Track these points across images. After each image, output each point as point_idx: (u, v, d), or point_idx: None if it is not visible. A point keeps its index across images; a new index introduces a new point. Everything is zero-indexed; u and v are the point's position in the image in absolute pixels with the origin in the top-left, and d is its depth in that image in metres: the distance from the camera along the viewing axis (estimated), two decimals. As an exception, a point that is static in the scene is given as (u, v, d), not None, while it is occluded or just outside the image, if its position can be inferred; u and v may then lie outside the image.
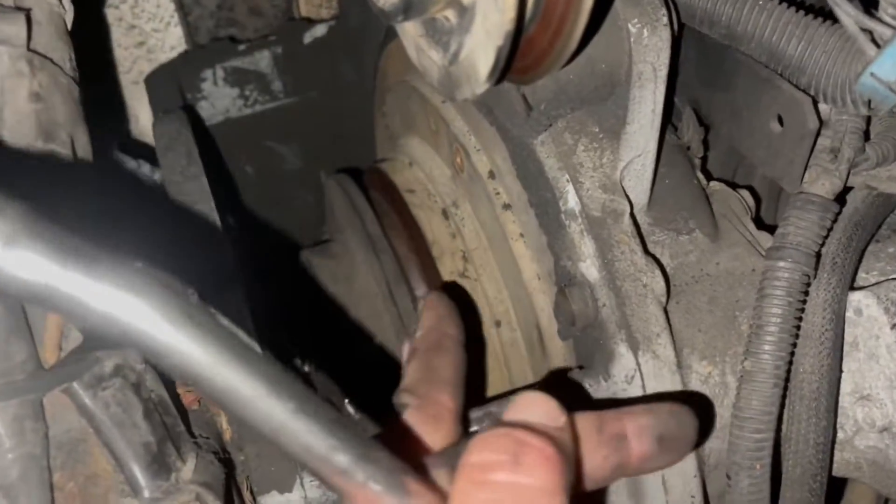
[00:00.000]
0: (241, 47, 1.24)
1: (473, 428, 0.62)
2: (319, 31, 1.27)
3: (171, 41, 1.35)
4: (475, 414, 0.63)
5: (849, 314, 0.74)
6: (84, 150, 0.63)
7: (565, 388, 0.70)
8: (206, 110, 1.25)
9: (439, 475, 0.48)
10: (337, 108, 1.35)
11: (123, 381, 0.60)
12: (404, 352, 0.64)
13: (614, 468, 0.53)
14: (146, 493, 0.58)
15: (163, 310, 0.34)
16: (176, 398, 0.69)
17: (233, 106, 1.27)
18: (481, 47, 0.48)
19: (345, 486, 0.40)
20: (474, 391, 0.62)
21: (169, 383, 0.70)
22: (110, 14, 1.31)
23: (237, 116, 1.27)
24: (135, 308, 0.33)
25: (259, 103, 1.28)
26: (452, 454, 0.48)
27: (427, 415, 0.55)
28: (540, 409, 0.48)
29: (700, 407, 0.57)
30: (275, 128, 1.34)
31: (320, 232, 1.45)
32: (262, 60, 1.25)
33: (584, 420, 0.51)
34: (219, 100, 1.25)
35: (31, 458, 0.55)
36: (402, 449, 0.45)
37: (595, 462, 0.51)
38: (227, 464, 0.71)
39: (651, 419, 0.55)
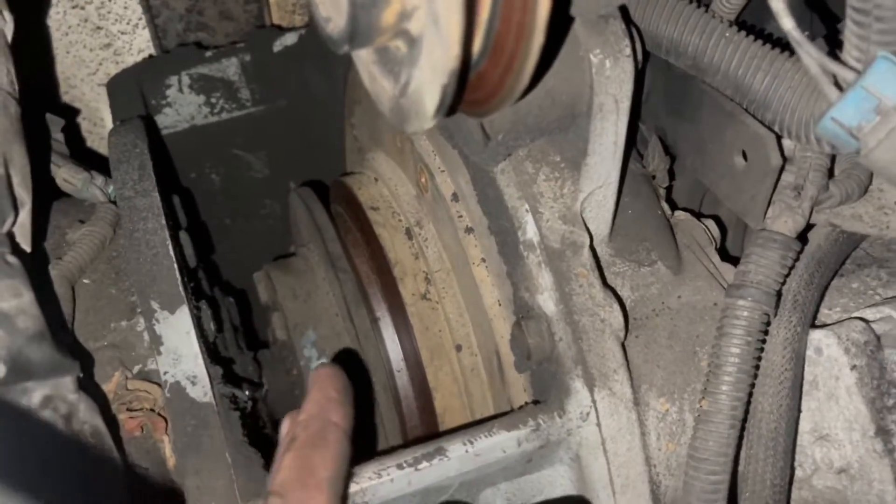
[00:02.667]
0: (208, 54, 1.21)
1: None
2: (290, 39, 1.25)
3: (139, 44, 1.32)
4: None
5: (809, 353, 0.73)
6: (21, 168, 0.60)
7: None
8: (170, 117, 1.22)
9: None
10: (306, 118, 1.32)
11: (53, 413, 0.57)
12: (282, 430, 0.60)
13: None
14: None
15: None
16: (114, 427, 0.66)
17: (198, 113, 1.24)
18: (428, 82, 0.46)
19: None
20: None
21: (105, 410, 0.67)
22: (75, 15, 1.27)
23: (203, 124, 1.24)
24: None
25: (226, 111, 1.25)
26: None
27: None
28: None
29: None
30: (242, 136, 1.31)
31: (287, 241, 1.43)
32: (230, 68, 1.22)
33: None
34: (184, 107, 1.22)
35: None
36: None
37: None
38: (172, 492, 0.68)
39: None
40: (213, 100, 1.24)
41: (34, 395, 0.56)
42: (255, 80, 1.25)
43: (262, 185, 1.39)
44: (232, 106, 1.25)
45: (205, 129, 1.26)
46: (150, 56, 1.25)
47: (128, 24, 1.31)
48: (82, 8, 1.28)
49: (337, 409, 0.60)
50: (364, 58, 0.56)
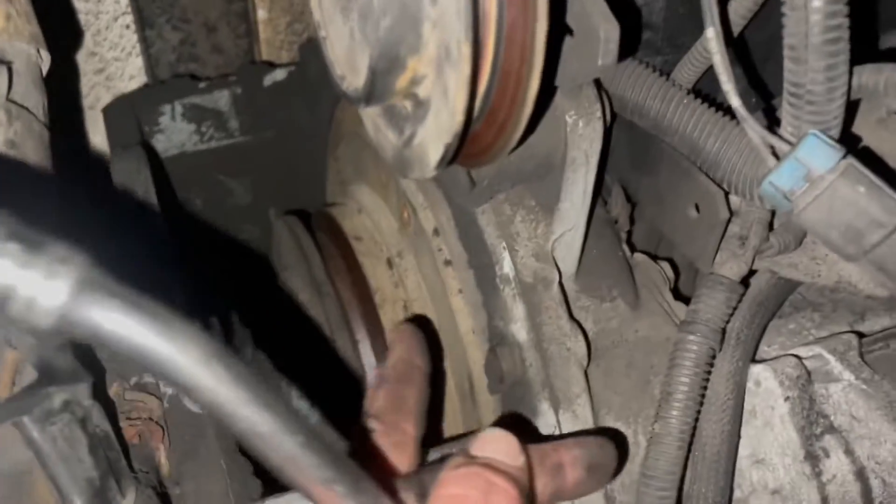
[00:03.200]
0: (202, 85, 1.28)
1: (431, 458, 0.68)
2: (279, 75, 1.32)
3: (131, 70, 1.38)
4: (433, 455, 0.68)
5: (749, 385, 0.81)
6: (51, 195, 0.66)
7: (517, 425, 0.76)
8: (161, 143, 1.28)
9: (408, 498, 0.53)
10: (290, 150, 1.39)
11: (71, 416, 0.63)
12: (371, 378, 0.69)
13: (553, 494, 0.61)
14: (87, 527, 0.61)
15: (197, 353, 0.38)
16: (119, 433, 0.71)
17: (188, 140, 1.30)
18: (432, 139, 0.54)
19: (322, 499, 0.45)
20: (434, 422, 0.68)
21: (112, 417, 0.72)
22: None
23: (192, 151, 1.30)
24: (173, 353, 0.38)
25: (214, 139, 1.31)
26: (419, 481, 0.54)
27: (392, 441, 0.61)
28: (503, 447, 0.55)
29: (617, 441, 0.68)
30: (227, 163, 1.38)
31: (265, 265, 1.49)
32: (221, 99, 1.29)
33: (531, 452, 0.58)
34: (175, 134, 1.28)
35: (-21, 488, 0.57)
36: (370, 469, 0.50)
37: (538, 489, 0.58)
38: (165, 498, 0.73)
39: (582, 450, 0.64)
40: (204, 129, 1.30)
41: (55, 399, 0.61)
42: (244, 111, 1.32)
43: (244, 211, 1.45)
44: (221, 135, 1.31)
45: (193, 155, 1.32)
46: (146, 84, 1.31)
47: (122, 51, 1.37)
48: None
49: (418, 356, 0.70)
50: (370, 111, 0.64)
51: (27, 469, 0.61)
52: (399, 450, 0.61)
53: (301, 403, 0.87)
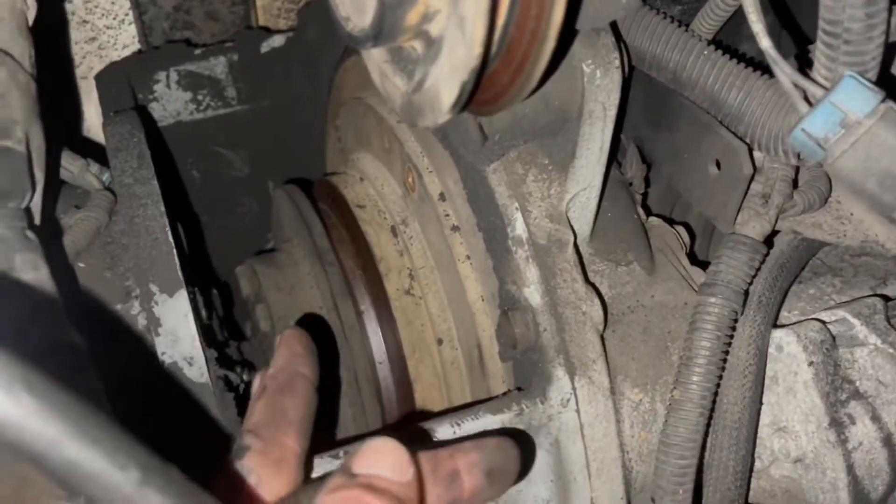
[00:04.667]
0: (197, 51, 1.23)
1: (317, 473, 0.62)
2: (277, 41, 1.28)
3: (124, 39, 1.34)
4: (324, 460, 0.63)
5: (771, 350, 0.78)
6: (38, 147, 0.62)
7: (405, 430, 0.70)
8: (156, 112, 1.23)
9: None
10: (288, 118, 1.35)
11: (65, 383, 0.59)
12: (254, 386, 0.63)
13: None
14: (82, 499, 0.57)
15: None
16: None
17: (184, 109, 1.26)
18: (446, 79, 0.50)
19: None
20: (326, 432, 0.62)
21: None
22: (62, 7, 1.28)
23: (188, 120, 1.26)
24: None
25: (211, 108, 1.27)
26: (302, 498, 0.48)
27: (270, 459, 0.55)
28: (389, 460, 0.49)
29: (519, 442, 0.61)
30: (225, 133, 1.34)
31: (264, 240, 1.45)
32: (218, 66, 1.25)
33: (421, 460, 0.53)
34: (170, 102, 1.24)
35: (-35, 459, 0.54)
36: (236, 499, 0.45)
37: (431, 502, 0.53)
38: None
39: (480, 455, 0.57)
40: (200, 97, 1.26)
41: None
42: (241, 79, 1.27)
43: (242, 182, 1.41)
44: (218, 104, 1.27)
45: (189, 125, 1.28)
46: (139, 51, 1.27)
47: (114, 19, 1.33)
48: (70, 1, 1.29)
49: (303, 363, 0.63)
50: (375, 57, 0.60)
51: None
52: (279, 467, 0.55)
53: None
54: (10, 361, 0.32)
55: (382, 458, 0.49)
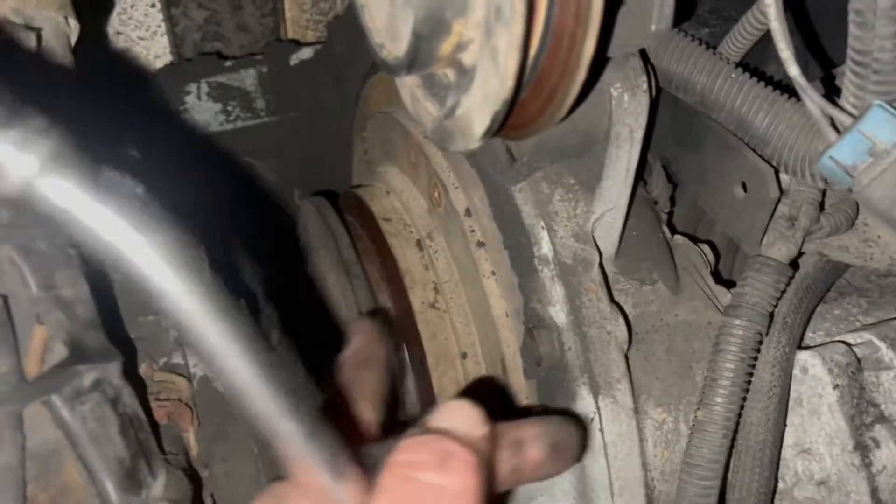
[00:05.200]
0: (228, 64, 1.26)
1: None
2: (306, 53, 1.30)
3: (157, 50, 1.36)
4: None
5: (795, 372, 0.78)
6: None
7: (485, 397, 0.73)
8: (187, 123, 1.26)
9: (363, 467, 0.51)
10: (315, 130, 1.37)
11: (101, 395, 0.61)
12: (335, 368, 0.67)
13: (512, 470, 0.57)
14: (117, 508, 0.59)
15: (168, 256, 0.36)
16: (149, 414, 0.70)
17: (214, 120, 1.28)
18: (478, 108, 0.51)
19: (289, 454, 0.43)
20: (394, 413, 0.65)
21: (142, 398, 0.71)
22: (98, 19, 1.31)
23: (217, 131, 1.28)
24: (142, 249, 0.35)
25: (241, 119, 1.29)
26: (377, 452, 0.50)
27: (347, 425, 0.58)
28: (464, 417, 0.51)
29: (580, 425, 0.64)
30: (253, 144, 1.36)
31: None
32: (248, 78, 1.27)
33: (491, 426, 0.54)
34: (200, 113, 1.26)
35: (8, 468, 0.55)
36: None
37: (496, 465, 0.55)
38: (195, 480, 0.72)
39: (544, 429, 0.60)
40: (230, 108, 1.28)
41: (85, 378, 0.59)
42: (270, 91, 1.29)
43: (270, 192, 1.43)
44: (247, 115, 1.29)
45: (218, 135, 1.30)
46: (171, 63, 1.30)
47: (147, 30, 1.35)
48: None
49: (377, 345, 0.67)
50: (408, 81, 0.61)
51: (56, 449, 0.59)
52: (355, 434, 0.58)
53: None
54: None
55: (458, 415, 0.51)
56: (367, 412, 0.60)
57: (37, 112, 0.34)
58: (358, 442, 0.56)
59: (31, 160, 0.33)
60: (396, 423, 0.67)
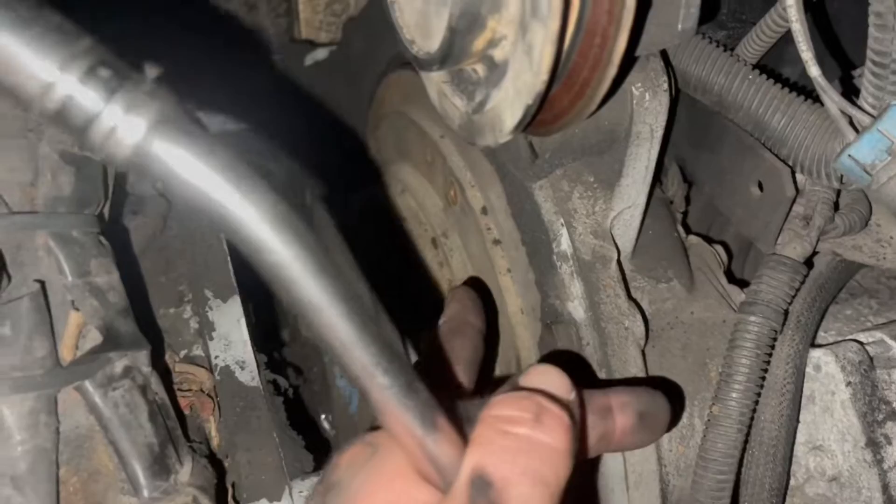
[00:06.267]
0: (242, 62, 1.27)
1: None
2: (320, 54, 1.31)
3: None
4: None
5: (808, 369, 0.79)
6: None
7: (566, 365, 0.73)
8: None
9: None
10: (329, 129, 1.38)
11: (132, 382, 0.62)
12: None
13: (600, 436, 0.57)
14: (146, 493, 0.60)
15: (268, 213, 0.36)
16: (175, 403, 0.71)
17: (228, 119, 1.29)
18: (509, 102, 0.52)
19: (384, 404, 0.42)
20: (486, 380, 0.66)
21: (168, 387, 0.72)
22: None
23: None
24: (240, 208, 0.36)
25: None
26: (471, 407, 0.51)
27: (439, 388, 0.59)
28: (554, 380, 0.52)
29: (673, 395, 0.63)
30: (266, 143, 1.36)
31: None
32: (262, 77, 1.28)
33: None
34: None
35: (42, 451, 0.56)
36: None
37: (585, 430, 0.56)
38: (218, 469, 0.73)
39: (632, 397, 0.60)
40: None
41: (117, 365, 0.61)
42: (284, 90, 1.31)
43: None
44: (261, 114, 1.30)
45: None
46: (187, 62, 1.30)
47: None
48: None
49: (472, 314, 0.69)
50: (435, 77, 0.63)
51: (88, 433, 0.60)
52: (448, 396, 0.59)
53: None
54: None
55: (548, 377, 0.52)
56: (461, 376, 0.61)
57: (146, 73, 0.34)
58: (452, 402, 0.57)
59: (140, 123, 0.33)
60: (487, 388, 0.67)
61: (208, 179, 0.35)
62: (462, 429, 0.47)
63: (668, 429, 0.65)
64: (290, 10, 1.41)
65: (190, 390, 0.79)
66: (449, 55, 0.52)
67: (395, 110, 1.15)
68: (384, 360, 0.41)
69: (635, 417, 0.59)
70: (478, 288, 0.80)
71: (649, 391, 0.62)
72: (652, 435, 0.62)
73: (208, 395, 0.79)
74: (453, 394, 0.56)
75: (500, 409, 0.48)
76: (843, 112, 0.62)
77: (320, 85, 1.35)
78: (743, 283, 0.85)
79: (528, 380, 0.52)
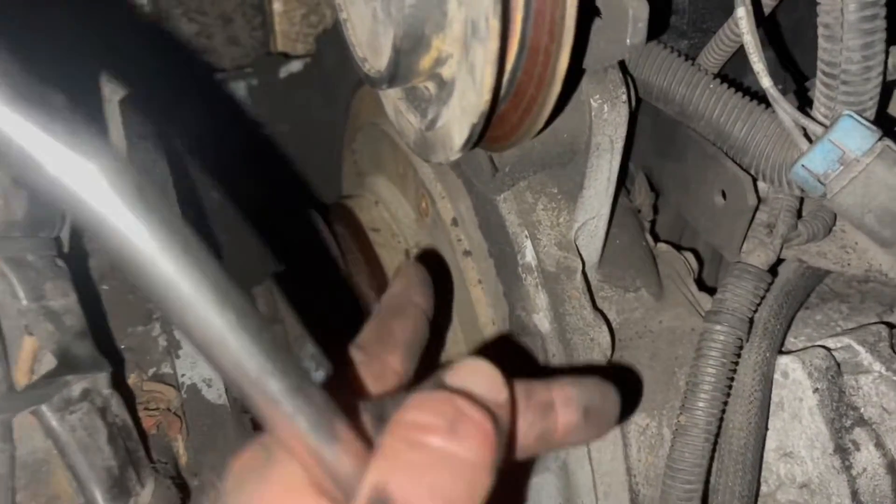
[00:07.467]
0: (219, 77, 1.27)
1: None
2: (295, 66, 1.31)
3: (148, 63, 1.37)
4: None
5: (776, 376, 0.79)
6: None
7: (505, 354, 0.67)
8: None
9: (368, 423, 0.45)
10: (306, 141, 1.39)
11: (91, 405, 0.62)
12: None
13: (539, 436, 0.51)
14: (105, 516, 0.60)
15: (114, 183, 0.30)
16: (138, 423, 0.71)
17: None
18: (457, 120, 0.53)
19: (271, 416, 0.37)
20: (430, 362, 0.61)
21: (131, 407, 0.72)
22: (89, 33, 1.32)
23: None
24: (85, 175, 0.29)
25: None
26: (386, 405, 0.45)
27: (369, 372, 0.53)
28: (483, 379, 0.46)
29: (628, 382, 0.57)
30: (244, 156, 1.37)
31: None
32: (238, 91, 1.28)
33: (516, 387, 0.48)
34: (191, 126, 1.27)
35: (-3, 477, 0.56)
36: (336, 391, 0.42)
37: (521, 429, 0.49)
38: (183, 489, 0.73)
39: (577, 391, 0.53)
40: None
41: (74, 388, 0.60)
42: (260, 103, 1.31)
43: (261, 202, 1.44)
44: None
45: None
46: (161, 76, 1.30)
47: (138, 44, 1.36)
48: (95, 26, 1.33)
49: (417, 293, 0.62)
50: (391, 94, 0.63)
51: (45, 458, 0.60)
52: (378, 382, 0.53)
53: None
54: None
55: (476, 376, 0.45)
56: (396, 361, 0.55)
57: None
58: (381, 391, 0.51)
59: None
60: (429, 377, 0.63)
61: (33, 142, 0.29)
62: (371, 434, 0.42)
63: (619, 421, 0.58)
64: (265, 23, 1.41)
65: (157, 409, 0.79)
66: (396, 74, 0.52)
67: (369, 122, 1.15)
68: (269, 365, 0.35)
69: (580, 413, 0.52)
70: (434, 264, 0.75)
71: (598, 383, 0.56)
72: (598, 431, 0.56)
73: (175, 414, 0.79)
74: (357, 393, 0.51)
75: (412, 415, 0.42)
76: (796, 123, 0.62)
77: (297, 97, 1.35)
78: (714, 291, 0.85)
79: (453, 377, 0.45)
